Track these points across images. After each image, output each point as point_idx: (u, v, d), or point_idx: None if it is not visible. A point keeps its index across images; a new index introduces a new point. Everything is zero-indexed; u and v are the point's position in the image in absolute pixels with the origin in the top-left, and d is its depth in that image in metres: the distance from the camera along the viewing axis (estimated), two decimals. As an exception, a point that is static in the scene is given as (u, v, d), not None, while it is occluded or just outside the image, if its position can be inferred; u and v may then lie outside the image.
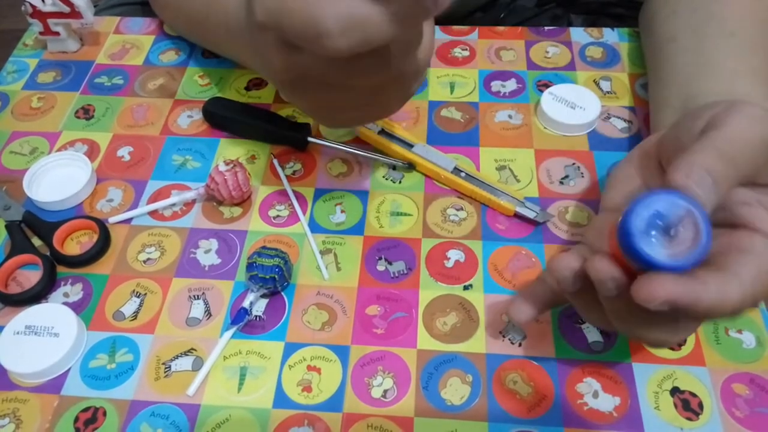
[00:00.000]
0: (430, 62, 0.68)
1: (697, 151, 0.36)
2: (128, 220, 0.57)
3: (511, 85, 0.66)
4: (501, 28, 0.72)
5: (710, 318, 0.37)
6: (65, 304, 0.51)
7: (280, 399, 0.47)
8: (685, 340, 0.49)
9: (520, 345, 0.49)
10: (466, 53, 0.70)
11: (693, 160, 0.36)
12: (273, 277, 0.49)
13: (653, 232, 0.33)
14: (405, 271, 0.53)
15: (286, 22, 0.35)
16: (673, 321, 0.38)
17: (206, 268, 0.54)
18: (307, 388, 0.47)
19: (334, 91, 0.42)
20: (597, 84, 0.66)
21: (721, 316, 0.35)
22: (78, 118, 0.66)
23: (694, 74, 0.52)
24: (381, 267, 0.53)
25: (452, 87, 0.66)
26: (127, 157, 0.62)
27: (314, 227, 0.56)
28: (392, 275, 0.53)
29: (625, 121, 0.62)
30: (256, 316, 0.51)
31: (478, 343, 0.49)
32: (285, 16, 0.35)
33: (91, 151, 0.63)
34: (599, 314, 0.40)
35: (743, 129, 0.37)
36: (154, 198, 0.58)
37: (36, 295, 0.52)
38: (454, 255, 0.54)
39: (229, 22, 0.54)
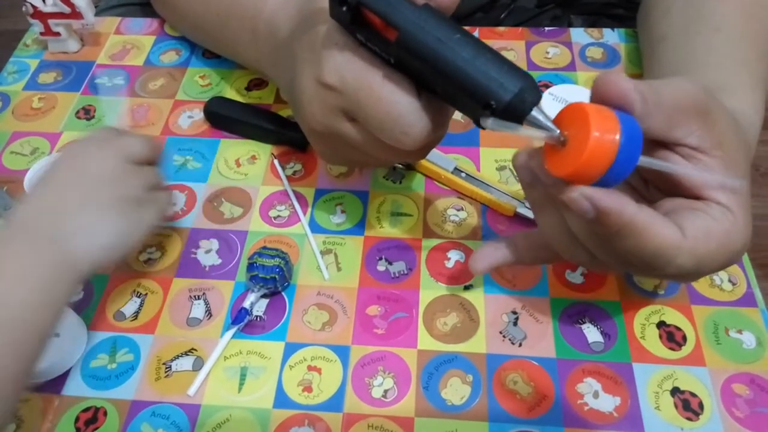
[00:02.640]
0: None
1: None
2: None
3: (511, 85, 0.66)
4: (501, 29, 0.73)
5: (644, 260, 0.36)
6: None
7: (281, 399, 0.47)
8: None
9: (520, 345, 0.49)
10: (467, 54, 0.70)
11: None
12: (273, 277, 0.49)
13: None
14: (405, 272, 0.53)
15: (368, 106, 0.40)
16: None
17: (207, 269, 0.54)
18: (308, 388, 0.47)
19: (357, 153, 0.45)
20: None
21: (653, 258, 0.36)
22: (79, 118, 0.66)
23: (681, 71, 0.52)
24: (381, 267, 0.53)
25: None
26: (128, 158, 0.62)
27: (315, 227, 0.56)
28: (392, 275, 0.53)
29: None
30: (256, 316, 0.51)
31: (479, 343, 0.49)
32: (368, 98, 0.39)
33: (92, 152, 0.63)
34: (564, 236, 0.40)
35: (669, 84, 0.37)
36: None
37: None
38: (455, 255, 0.54)
39: (258, 29, 0.55)
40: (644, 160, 0.35)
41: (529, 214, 0.55)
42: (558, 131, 0.34)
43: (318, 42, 0.42)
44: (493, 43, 0.71)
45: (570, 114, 0.34)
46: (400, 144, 0.40)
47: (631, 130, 0.33)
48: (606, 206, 0.33)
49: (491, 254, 0.46)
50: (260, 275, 0.50)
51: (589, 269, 0.52)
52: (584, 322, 0.50)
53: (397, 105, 0.39)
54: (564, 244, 0.40)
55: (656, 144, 0.38)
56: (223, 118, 0.63)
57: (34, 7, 0.67)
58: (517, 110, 0.36)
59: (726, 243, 0.37)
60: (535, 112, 0.35)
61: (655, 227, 0.35)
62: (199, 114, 0.65)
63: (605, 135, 0.32)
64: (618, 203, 0.33)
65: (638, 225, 0.34)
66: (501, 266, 0.46)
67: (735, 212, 0.37)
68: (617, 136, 0.32)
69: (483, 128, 0.37)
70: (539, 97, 0.36)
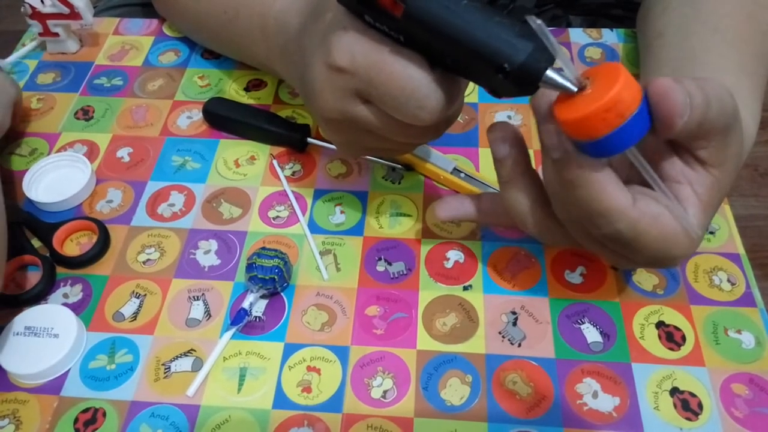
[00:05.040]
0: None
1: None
2: (128, 221, 0.57)
3: (510, 85, 0.66)
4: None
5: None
6: (65, 305, 0.51)
7: (280, 400, 0.47)
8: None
9: (519, 345, 0.49)
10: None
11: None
12: (273, 277, 0.49)
13: None
14: (405, 272, 0.53)
15: (381, 83, 0.39)
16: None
17: (206, 269, 0.54)
18: (307, 389, 0.47)
19: (373, 139, 0.45)
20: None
21: (597, 214, 0.38)
22: (77, 119, 0.66)
23: (678, 69, 0.52)
24: (380, 267, 0.53)
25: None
26: (127, 158, 0.62)
27: (314, 228, 0.56)
28: (392, 276, 0.53)
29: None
30: (255, 317, 0.51)
31: (478, 344, 0.49)
32: (380, 74, 0.39)
33: (91, 152, 0.63)
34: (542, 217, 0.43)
35: (711, 86, 0.38)
36: (154, 199, 0.58)
37: (36, 296, 0.52)
38: (454, 255, 0.54)
39: (267, 25, 0.54)
40: (632, 152, 0.36)
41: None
42: (576, 88, 0.34)
43: (326, 28, 0.42)
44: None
45: (602, 70, 0.34)
46: (416, 119, 0.40)
47: (647, 111, 0.34)
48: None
49: (456, 206, 0.49)
50: (259, 276, 0.50)
51: (545, 243, 0.54)
52: (583, 323, 0.50)
53: (410, 79, 0.38)
54: (525, 216, 0.44)
55: (673, 144, 0.38)
56: (222, 118, 0.63)
57: (32, 7, 0.67)
58: (532, 71, 0.35)
59: (668, 239, 0.39)
60: (551, 72, 0.34)
61: (610, 186, 0.37)
62: (198, 114, 0.65)
63: (627, 96, 0.33)
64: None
65: (594, 178, 0.36)
66: (461, 220, 0.51)
67: (692, 224, 0.39)
68: (637, 106, 0.33)
69: (500, 97, 0.37)
70: (553, 57, 0.35)
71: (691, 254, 0.41)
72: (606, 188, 0.37)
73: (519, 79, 0.35)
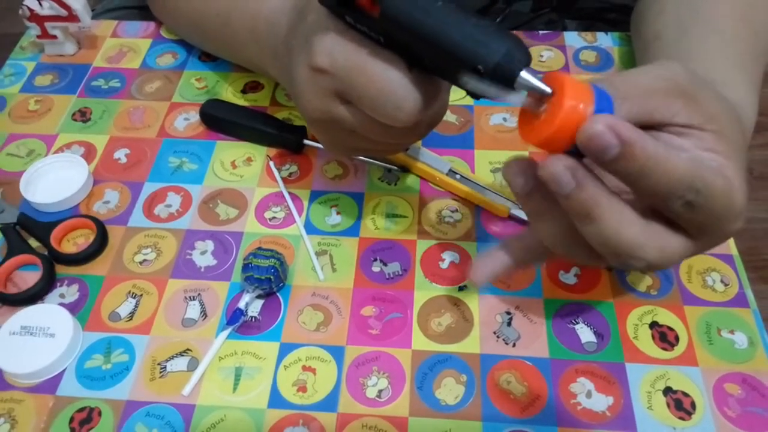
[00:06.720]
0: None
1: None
2: (125, 222, 0.57)
3: (505, 88, 0.67)
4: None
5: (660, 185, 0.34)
6: (61, 305, 0.51)
7: (276, 399, 0.47)
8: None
9: (514, 345, 0.49)
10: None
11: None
12: (269, 278, 0.50)
13: None
14: (400, 272, 0.53)
15: (359, 84, 0.40)
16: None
17: (202, 269, 0.54)
18: (302, 389, 0.47)
19: (358, 138, 0.45)
20: (591, 87, 0.66)
21: (679, 184, 0.34)
22: (75, 120, 0.66)
23: None
24: (376, 268, 0.54)
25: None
26: (124, 160, 0.62)
27: (310, 229, 0.56)
28: (387, 276, 0.53)
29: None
30: (251, 317, 0.51)
31: (473, 344, 0.49)
32: (359, 76, 0.40)
33: (88, 154, 0.63)
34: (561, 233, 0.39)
35: (634, 71, 0.38)
36: (151, 200, 0.59)
37: (35, 295, 0.52)
38: (449, 256, 0.54)
39: (258, 28, 0.55)
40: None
41: (523, 215, 0.55)
42: (550, 90, 0.34)
43: (308, 29, 0.43)
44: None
45: (548, 83, 0.34)
46: (394, 120, 0.40)
47: (605, 103, 0.33)
48: (629, 137, 0.32)
49: (488, 264, 0.44)
50: (255, 276, 0.50)
51: (586, 265, 0.53)
52: (577, 323, 0.50)
53: (387, 81, 0.39)
54: (565, 246, 0.39)
55: (646, 128, 0.38)
56: (219, 120, 0.64)
57: (30, 10, 0.68)
58: (506, 72, 0.34)
59: (733, 185, 0.36)
60: (525, 74, 0.34)
61: (673, 154, 0.33)
62: (195, 116, 0.66)
63: (578, 104, 0.32)
64: (638, 133, 0.32)
65: (660, 156, 0.33)
66: (500, 273, 0.44)
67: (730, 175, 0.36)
68: (591, 107, 0.33)
69: (476, 98, 0.37)
70: (529, 59, 0.35)
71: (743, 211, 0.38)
72: (672, 157, 0.33)
73: (494, 80, 0.35)
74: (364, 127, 0.43)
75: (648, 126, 0.37)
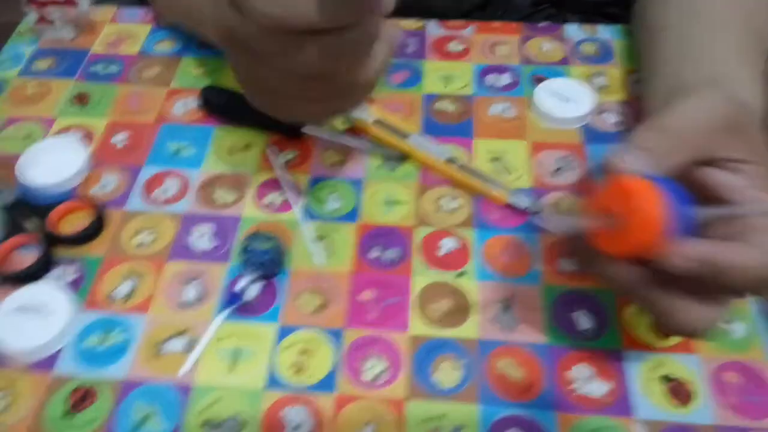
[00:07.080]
0: (425, 57, 0.69)
1: (638, 130, 0.39)
2: (123, 204, 0.57)
3: (505, 78, 0.67)
4: (496, 24, 0.73)
5: (734, 287, 0.38)
6: (59, 284, 0.51)
7: (273, 380, 0.47)
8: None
9: (512, 331, 0.49)
10: (461, 48, 0.70)
11: (630, 139, 0.38)
12: (268, 260, 0.50)
13: None
14: (398, 259, 0.53)
15: None
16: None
17: (200, 253, 0.54)
18: (300, 371, 0.47)
19: (267, 68, 0.39)
20: (590, 79, 0.66)
21: (746, 284, 0.37)
22: (73, 104, 0.66)
23: (681, 63, 0.53)
24: (375, 254, 0.53)
25: (447, 80, 0.67)
26: (122, 144, 0.62)
27: (309, 214, 0.56)
28: (386, 262, 0.53)
29: (617, 115, 0.63)
30: (249, 300, 0.51)
31: (471, 329, 0.49)
32: None
33: (86, 138, 0.63)
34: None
35: (688, 108, 0.39)
36: (149, 184, 0.58)
37: (32, 274, 0.52)
38: (447, 243, 0.54)
39: None
40: (702, 213, 0.36)
41: (521, 203, 0.55)
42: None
43: None
44: (488, 38, 0.71)
45: (611, 192, 0.37)
46: (284, 22, 0.33)
47: (672, 190, 0.35)
48: (706, 259, 0.35)
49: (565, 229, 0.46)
50: (253, 259, 0.50)
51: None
52: (576, 309, 0.50)
53: None
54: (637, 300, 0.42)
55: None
56: (218, 106, 0.64)
57: (30, -7, 0.68)
58: None
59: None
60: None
61: (748, 256, 0.36)
62: (193, 102, 0.65)
63: (647, 209, 0.35)
64: (714, 249, 0.36)
65: (737, 261, 0.36)
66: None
67: None
68: (659, 208, 0.35)
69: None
70: None
71: None
72: (748, 258, 0.36)
73: None
74: (257, 40, 0.36)
75: (706, 162, 0.39)
